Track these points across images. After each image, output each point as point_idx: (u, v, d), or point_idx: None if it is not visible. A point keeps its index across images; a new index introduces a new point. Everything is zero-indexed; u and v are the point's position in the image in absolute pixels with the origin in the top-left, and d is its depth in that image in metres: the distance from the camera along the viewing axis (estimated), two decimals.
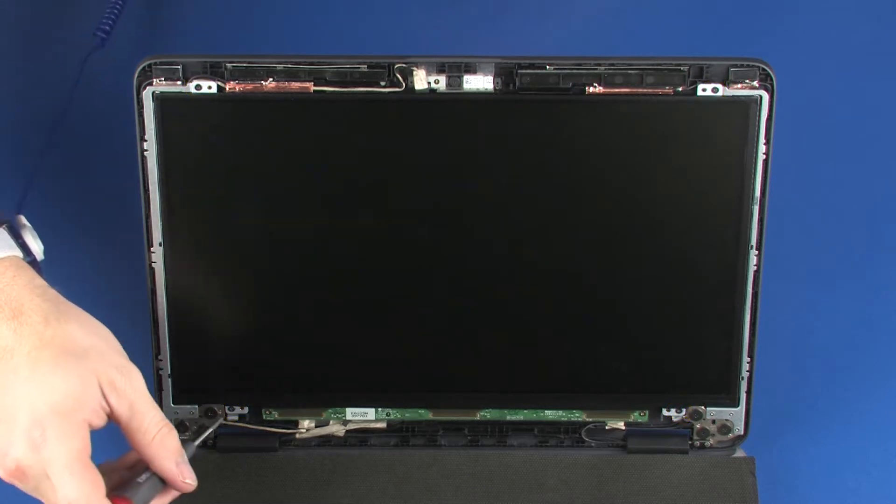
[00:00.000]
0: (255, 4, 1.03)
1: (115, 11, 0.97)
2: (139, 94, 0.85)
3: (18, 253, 0.81)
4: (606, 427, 0.92)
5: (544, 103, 0.85)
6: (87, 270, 0.99)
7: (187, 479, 0.81)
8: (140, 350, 0.90)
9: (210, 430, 0.89)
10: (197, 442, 0.86)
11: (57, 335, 0.77)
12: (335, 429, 0.92)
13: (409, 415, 0.92)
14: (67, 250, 0.99)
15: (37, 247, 0.83)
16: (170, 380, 0.90)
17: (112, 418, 0.78)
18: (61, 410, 0.75)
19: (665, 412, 0.92)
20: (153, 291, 0.89)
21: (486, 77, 0.85)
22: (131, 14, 1.00)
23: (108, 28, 0.94)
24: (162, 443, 0.79)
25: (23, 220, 0.83)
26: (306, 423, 0.92)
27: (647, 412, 0.92)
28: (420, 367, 0.90)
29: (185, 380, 0.90)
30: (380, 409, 0.92)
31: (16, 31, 1.04)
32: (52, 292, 0.79)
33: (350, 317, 0.89)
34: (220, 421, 0.91)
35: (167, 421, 0.80)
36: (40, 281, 0.80)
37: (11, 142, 1.01)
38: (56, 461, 0.75)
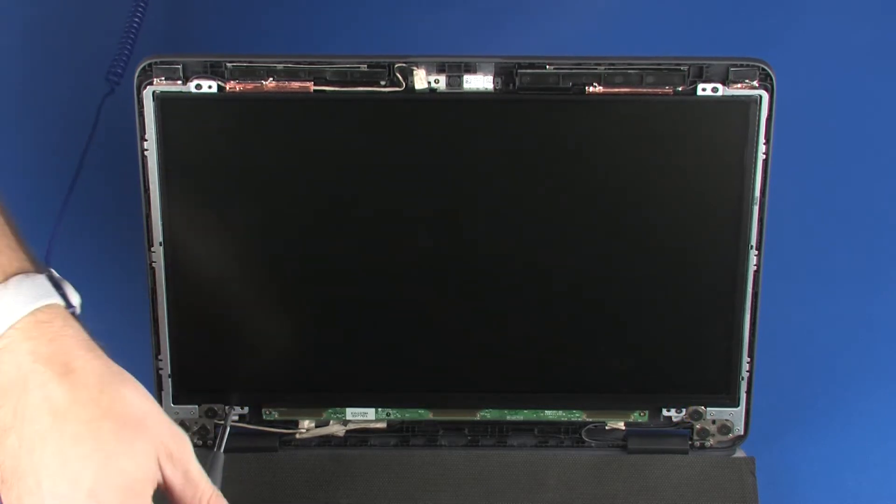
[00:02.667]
0: (256, 4, 1.03)
1: (126, 54, 0.96)
2: (139, 93, 0.85)
3: (62, 301, 0.77)
4: (606, 427, 0.92)
5: (544, 103, 0.85)
6: (87, 270, 0.99)
7: None
8: (140, 350, 0.91)
9: (226, 433, 0.89)
10: (221, 449, 0.86)
11: (115, 403, 0.74)
12: (335, 429, 0.92)
13: (409, 415, 0.92)
14: (67, 250, 0.99)
15: (76, 299, 0.79)
16: (170, 380, 0.90)
17: (161, 485, 0.76)
18: (130, 492, 0.73)
19: (665, 412, 0.92)
20: (153, 291, 0.89)
21: (485, 77, 0.85)
22: None
23: (120, 71, 0.94)
24: None
25: (54, 273, 0.80)
26: (306, 423, 0.92)
27: (647, 412, 0.92)
28: (420, 367, 0.90)
29: (186, 380, 0.90)
30: (380, 410, 0.92)
31: (30, 74, 1.04)
32: (99, 349, 0.76)
33: (350, 316, 0.89)
34: (231, 417, 0.91)
35: (214, 487, 0.78)
36: (86, 335, 0.76)
37: (32, 187, 1.00)
38: None
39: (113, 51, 0.92)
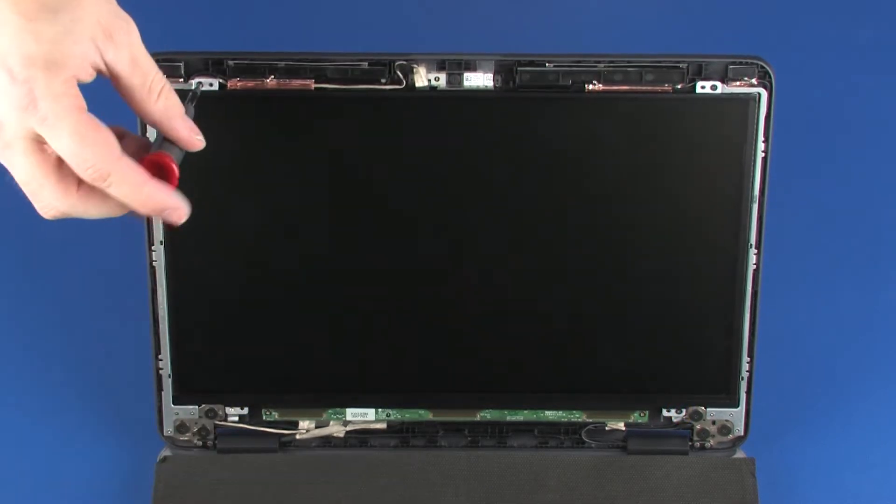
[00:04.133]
0: (257, 2, 1.03)
1: None
2: None
3: None
4: (606, 428, 0.92)
5: (544, 101, 0.85)
6: (87, 270, 0.99)
7: (198, 136, 0.76)
8: (140, 350, 0.91)
9: (199, 92, 0.84)
10: (193, 103, 0.81)
11: None
12: (335, 429, 0.92)
13: (410, 415, 0.92)
14: (67, 250, 0.99)
15: None
16: (170, 380, 0.90)
17: (106, 73, 0.70)
18: (49, 64, 0.67)
19: (665, 413, 0.92)
20: (153, 291, 0.89)
21: (486, 74, 0.86)
22: (132, 13, 1.00)
23: None
24: (168, 99, 0.73)
25: None
26: (306, 424, 0.92)
27: (647, 413, 0.92)
28: (420, 367, 0.90)
29: (186, 380, 0.90)
30: (380, 410, 0.92)
31: None
32: None
33: (350, 316, 0.89)
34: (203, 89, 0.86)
35: (167, 80, 0.74)
36: None
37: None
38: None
39: None
